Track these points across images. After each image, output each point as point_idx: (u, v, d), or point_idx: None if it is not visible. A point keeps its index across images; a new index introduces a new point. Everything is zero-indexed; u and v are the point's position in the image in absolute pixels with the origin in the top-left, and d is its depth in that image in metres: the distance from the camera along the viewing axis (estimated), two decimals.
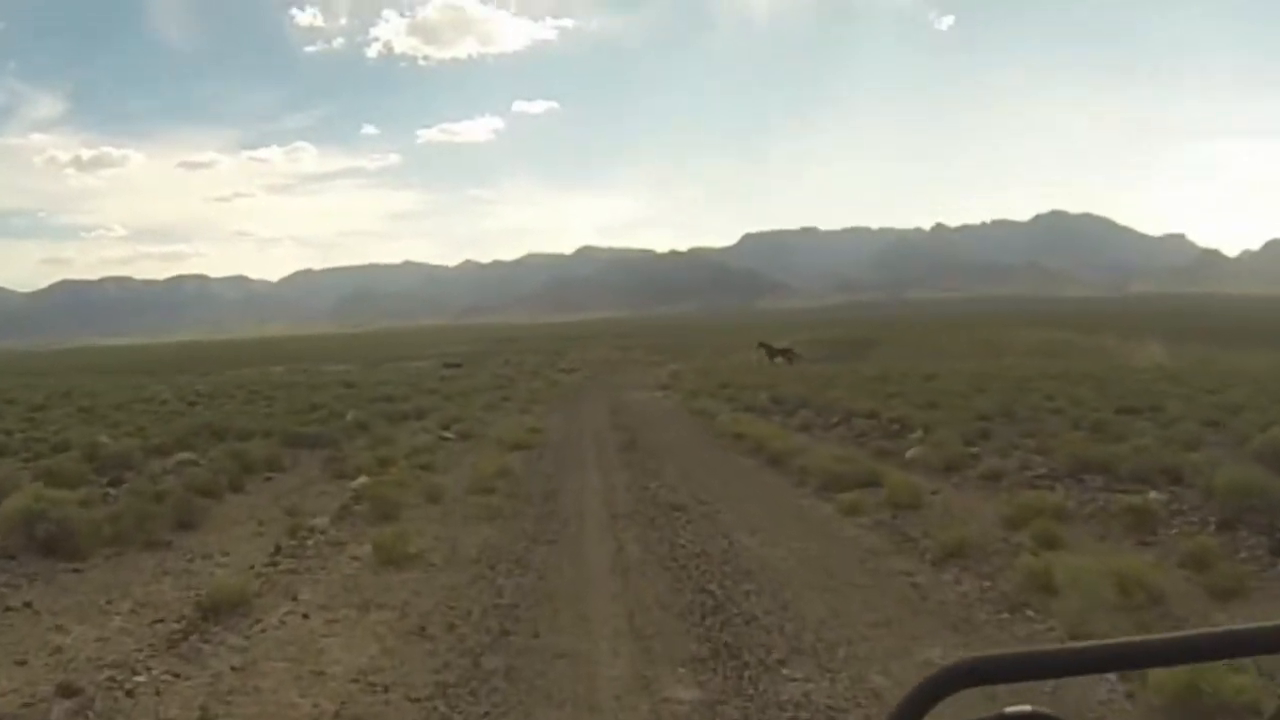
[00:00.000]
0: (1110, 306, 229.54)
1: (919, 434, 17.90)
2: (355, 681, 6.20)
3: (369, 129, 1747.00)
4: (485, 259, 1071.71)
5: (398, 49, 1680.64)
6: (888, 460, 15.72)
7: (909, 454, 15.92)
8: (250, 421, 23.15)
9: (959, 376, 40.02)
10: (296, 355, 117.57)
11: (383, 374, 61.67)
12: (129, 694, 6.06)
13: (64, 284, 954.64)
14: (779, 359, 56.25)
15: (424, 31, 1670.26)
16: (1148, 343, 77.83)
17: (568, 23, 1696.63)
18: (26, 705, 5.91)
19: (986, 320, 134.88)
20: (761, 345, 59.60)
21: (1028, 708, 0.95)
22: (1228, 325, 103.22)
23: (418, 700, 5.88)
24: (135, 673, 6.40)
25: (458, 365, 76.97)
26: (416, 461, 16.23)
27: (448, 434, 21.03)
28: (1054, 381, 34.38)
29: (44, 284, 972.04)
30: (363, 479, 14.11)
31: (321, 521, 11.31)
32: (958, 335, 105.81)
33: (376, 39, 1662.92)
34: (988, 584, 8.20)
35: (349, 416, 24.90)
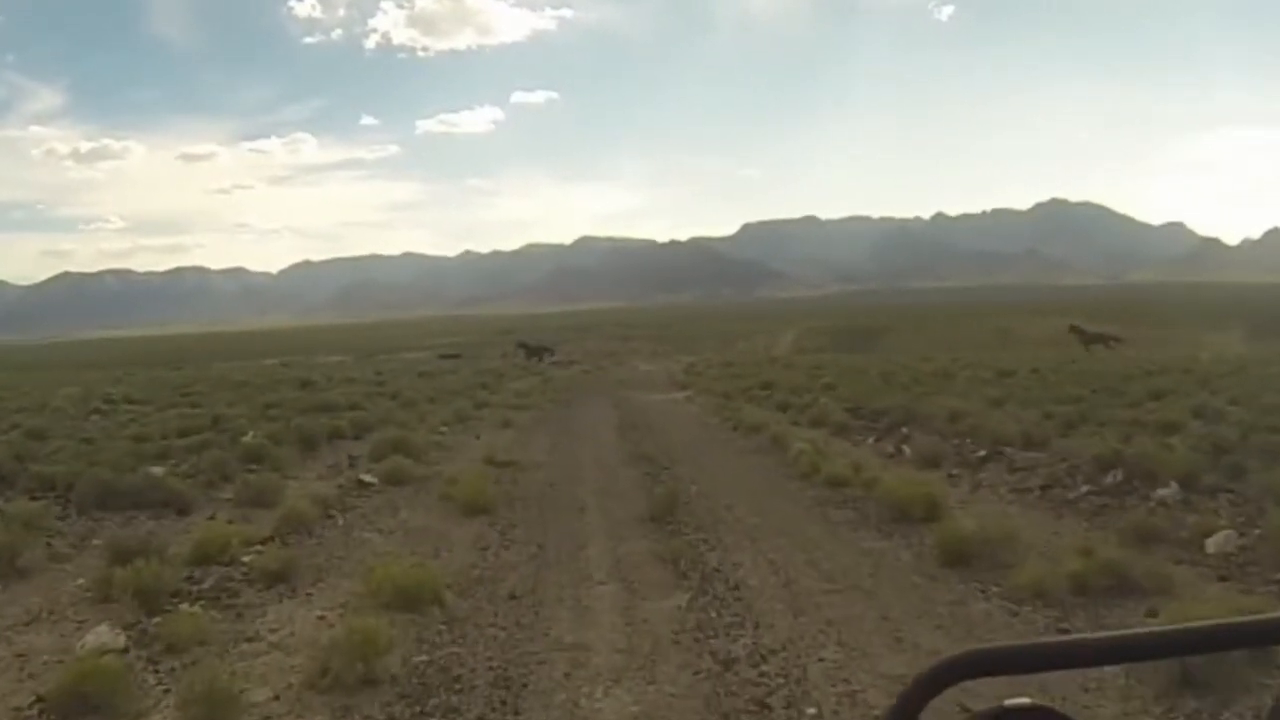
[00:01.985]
0: (1114, 294, 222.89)
1: (1173, 491, 10.17)
2: None
3: (368, 120, 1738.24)
4: (485, 249, 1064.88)
5: (396, 40, 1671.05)
6: (1167, 554, 8.11)
7: (1210, 545, 8.25)
8: (77, 455, 15.51)
9: (1045, 374, 32.43)
10: (293, 347, 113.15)
11: (361, 368, 53.92)
12: None
13: (63, 276, 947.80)
14: (537, 359, 51.15)
15: (422, 22, 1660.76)
16: (1210, 331, 70.33)
17: (567, 13, 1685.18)
18: None
19: (992, 309, 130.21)
20: (521, 345, 54.42)
21: (1027, 700, 0.94)
22: (1240, 313, 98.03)
23: None
24: None
25: (456, 356, 72.95)
26: (271, 559, 8.52)
27: (369, 477, 13.30)
28: (1164, 378, 27.06)
29: (43, 276, 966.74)
30: (100, 635, 6.41)
31: None
32: (967, 324, 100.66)
33: (375, 30, 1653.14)
34: None
35: (247, 438, 17.27)
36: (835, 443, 16.50)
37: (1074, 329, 47.98)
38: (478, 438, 18.92)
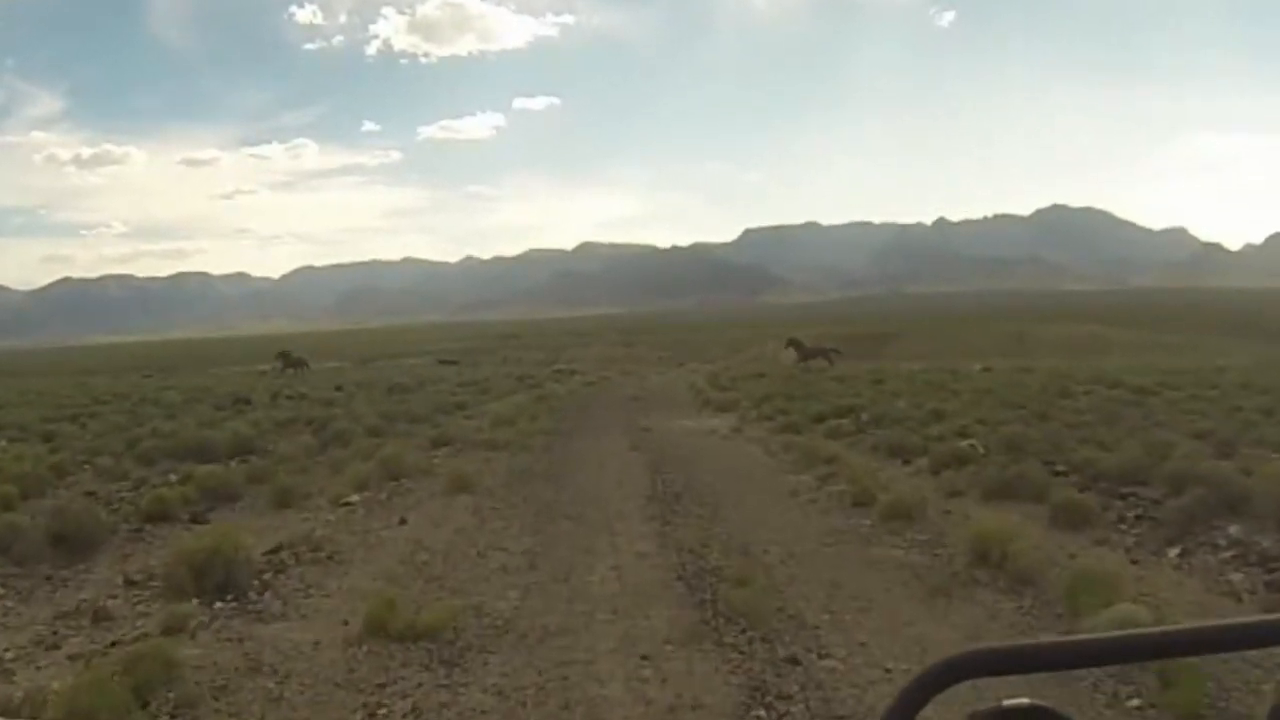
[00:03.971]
0: (1120, 299, 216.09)
1: None
2: None
3: (370, 126, 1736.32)
4: (486, 255, 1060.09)
5: (397, 46, 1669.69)
6: None
7: None
8: None
9: (1195, 391, 24.48)
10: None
11: (330, 380, 45.66)
12: None
13: (65, 282, 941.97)
14: (295, 369, 53.27)
15: (424, 29, 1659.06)
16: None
17: (569, 19, 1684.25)
18: None
19: (998, 314, 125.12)
20: (280, 355, 56.14)
21: (1026, 700, 0.93)
22: (1252, 319, 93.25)
23: None
24: None
25: (454, 362, 73.09)
26: None
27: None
28: None
29: (45, 282, 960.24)
30: None
31: None
32: (977, 329, 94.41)
33: (376, 36, 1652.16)
34: None
35: None
36: (1080, 546, 8.32)
37: (792, 343, 46.52)
38: (403, 522, 10.61)
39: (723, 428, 20.37)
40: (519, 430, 19.57)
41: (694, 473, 13.77)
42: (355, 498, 11.95)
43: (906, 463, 14.03)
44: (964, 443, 14.23)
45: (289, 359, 54.29)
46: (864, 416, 19.21)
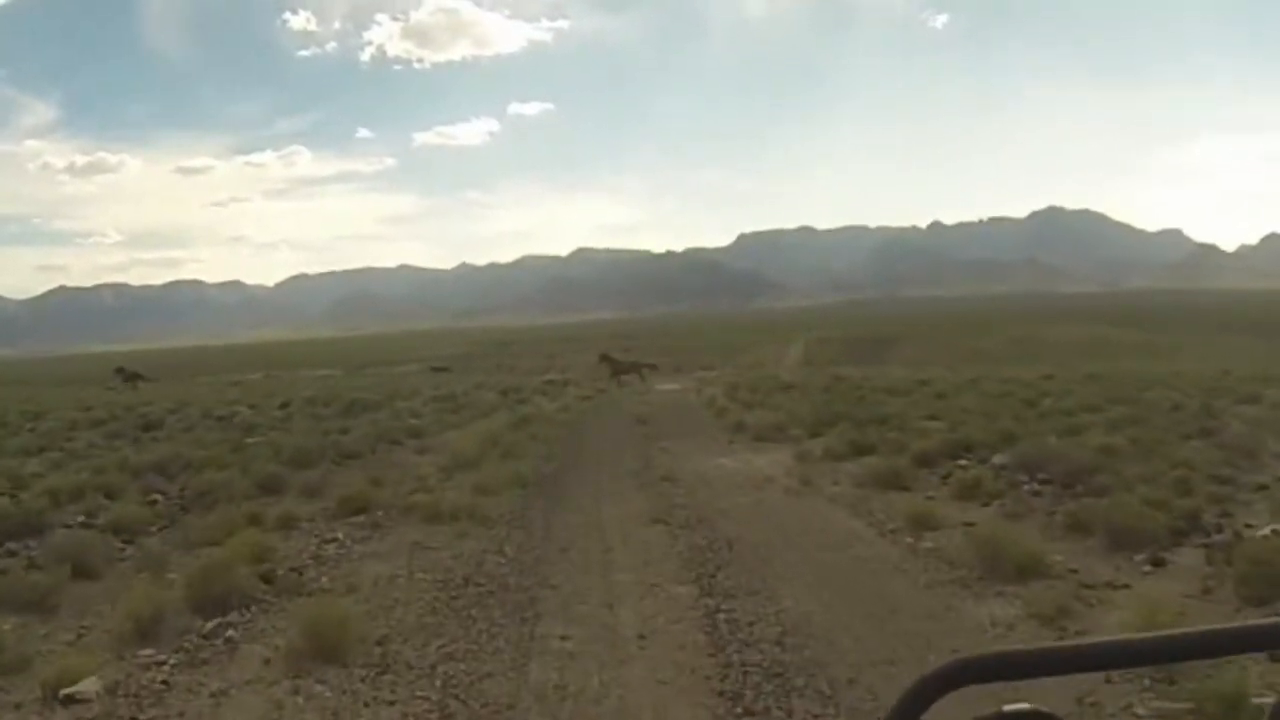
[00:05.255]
0: (1118, 302, 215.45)
1: None
2: None
3: (364, 132, 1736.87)
4: (481, 261, 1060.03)
5: (391, 52, 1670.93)
6: None
7: None
8: None
9: None
10: (286, 361, 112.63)
11: (276, 396, 42.04)
12: None
13: (60, 290, 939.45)
14: (132, 385, 54.14)
15: (418, 35, 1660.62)
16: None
17: (563, 24, 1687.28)
18: None
19: (997, 317, 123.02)
20: (118, 371, 58.06)
21: (1026, 705, 0.93)
22: (1255, 320, 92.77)
23: None
24: None
25: (446, 369, 74.98)
26: None
27: None
28: None
29: (40, 290, 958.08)
30: None
31: None
32: (977, 333, 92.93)
33: (370, 43, 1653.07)
34: None
35: None
36: None
37: (605, 358, 46.31)
38: None
39: (778, 472, 14.38)
40: (482, 480, 13.49)
41: (780, 590, 7.71)
42: (92, 685, 5.73)
43: (1157, 565, 8.01)
44: (1252, 528, 8.76)
45: (125, 374, 56.88)
46: (999, 459, 13.28)
